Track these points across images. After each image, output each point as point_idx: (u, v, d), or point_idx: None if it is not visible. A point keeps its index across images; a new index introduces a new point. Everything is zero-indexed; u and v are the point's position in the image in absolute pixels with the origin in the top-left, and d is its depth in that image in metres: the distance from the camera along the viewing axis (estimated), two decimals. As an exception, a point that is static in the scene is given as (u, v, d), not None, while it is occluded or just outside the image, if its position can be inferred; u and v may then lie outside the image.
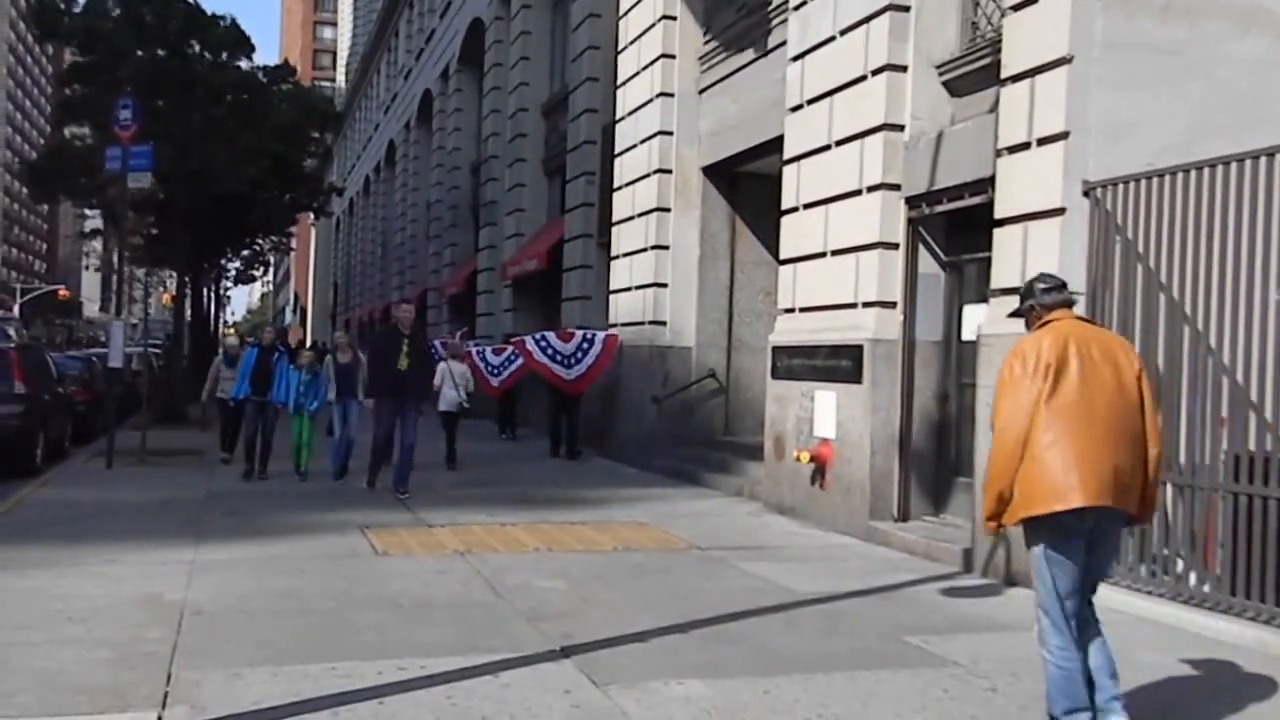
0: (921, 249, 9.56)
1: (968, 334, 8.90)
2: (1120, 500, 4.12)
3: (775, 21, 12.23)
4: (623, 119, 15.80)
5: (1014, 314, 4.57)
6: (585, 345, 15.37)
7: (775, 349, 11.03)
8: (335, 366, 12.84)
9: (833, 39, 10.14)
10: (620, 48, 16.09)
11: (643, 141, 15.06)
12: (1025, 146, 7.67)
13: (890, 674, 5.33)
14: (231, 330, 43.85)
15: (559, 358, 15.39)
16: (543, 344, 15.62)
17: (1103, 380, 4.14)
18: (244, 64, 25.69)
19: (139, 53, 23.07)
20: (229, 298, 56.08)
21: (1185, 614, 6.47)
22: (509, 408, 19.00)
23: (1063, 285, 4.43)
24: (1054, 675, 4.18)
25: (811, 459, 9.99)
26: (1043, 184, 7.48)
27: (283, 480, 12.45)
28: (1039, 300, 4.40)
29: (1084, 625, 4.25)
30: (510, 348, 17.13)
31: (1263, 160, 6.32)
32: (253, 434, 12.96)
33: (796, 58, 10.76)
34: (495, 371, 17.05)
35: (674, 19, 14.61)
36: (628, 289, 15.53)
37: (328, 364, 13.00)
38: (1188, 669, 5.59)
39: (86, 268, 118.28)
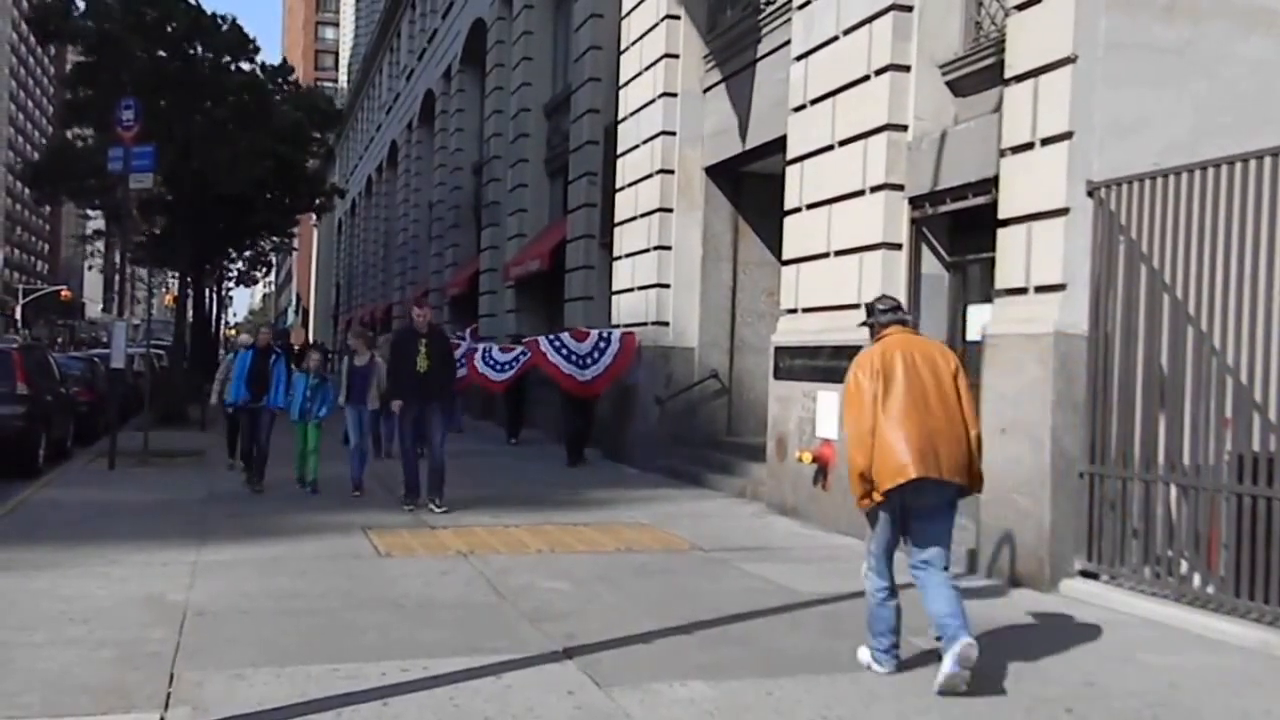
0: (925, 249, 9.55)
1: (972, 334, 8.87)
2: (947, 473, 5.02)
3: (779, 21, 12.22)
4: (625, 119, 15.79)
5: (863, 324, 5.56)
6: (602, 345, 14.82)
7: (778, 349, 11.01)
8: (349, 368, 12.06)
9: (836, 39, 10.13)
10: (623, 48, 16.07)
11: (645, 142, 15.05)
12: (1029, 146, 7.66)
13: (894, 675, 5.31)
14: (234, 330, 43.90)
15: (574, 358, 14.80)
16: (557, 344, 15.04)
17: (923, 380, 5.08)
18: (245, 65, 25.71)
19: (140, 54, 23.07)
20: (231, 299, 56.21)
21: (1189, 615, 6.46)
22: (516, 411, 18.56)
23: (898, 307, 5.44)
24: (873, 607, 5.26)
25: (814, 460, 9.98)
26: (1046, 184, 7.47)
27: (285, 483, 12.08)
28: (878, 319, 5.38)
29: (932, 582, 5.10)
30: (519, 346, 16.95)
31: (1267, 160, 6.30)
32: (249, 444, 12.46)
33: (800, 57, 10.76)
34: (502, 369, 16.86)
35: (677, 19, 14.59)
36: (630, 290, 15.50)
37: (343, 366, 12.36)
38: (1189, 670, 5.57)
39: (90, 268, 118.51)
